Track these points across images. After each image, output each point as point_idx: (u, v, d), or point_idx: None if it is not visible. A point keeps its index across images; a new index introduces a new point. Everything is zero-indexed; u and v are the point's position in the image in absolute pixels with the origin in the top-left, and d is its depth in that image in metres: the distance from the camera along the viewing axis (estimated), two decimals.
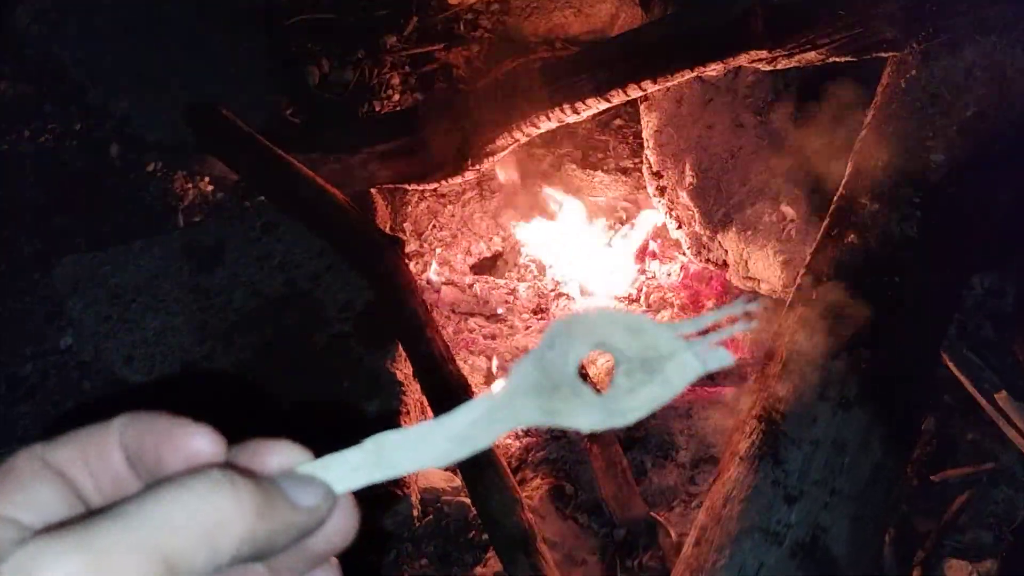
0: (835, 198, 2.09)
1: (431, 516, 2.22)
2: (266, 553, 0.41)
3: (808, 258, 2.05)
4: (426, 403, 2.27)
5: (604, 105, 2.40)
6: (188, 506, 0.38)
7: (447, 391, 2.11)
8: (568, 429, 0.46)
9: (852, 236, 1.99)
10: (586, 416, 0.46)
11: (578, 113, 2.42)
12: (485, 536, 2.13)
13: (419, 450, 0.45)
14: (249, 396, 2.21)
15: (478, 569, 2.11)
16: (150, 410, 0.43)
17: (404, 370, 2.29)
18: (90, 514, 0.38)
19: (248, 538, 0.39)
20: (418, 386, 2.25)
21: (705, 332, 0.47)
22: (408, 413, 2.24)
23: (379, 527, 2.12)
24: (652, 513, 2.16)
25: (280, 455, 0.44)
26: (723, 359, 0.47)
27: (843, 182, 2.09)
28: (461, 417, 0.46)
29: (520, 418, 0.46)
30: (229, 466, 0.41)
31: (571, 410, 0.46)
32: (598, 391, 0.47)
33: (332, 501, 0.44)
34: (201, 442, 0.42)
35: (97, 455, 0.42)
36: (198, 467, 0.40)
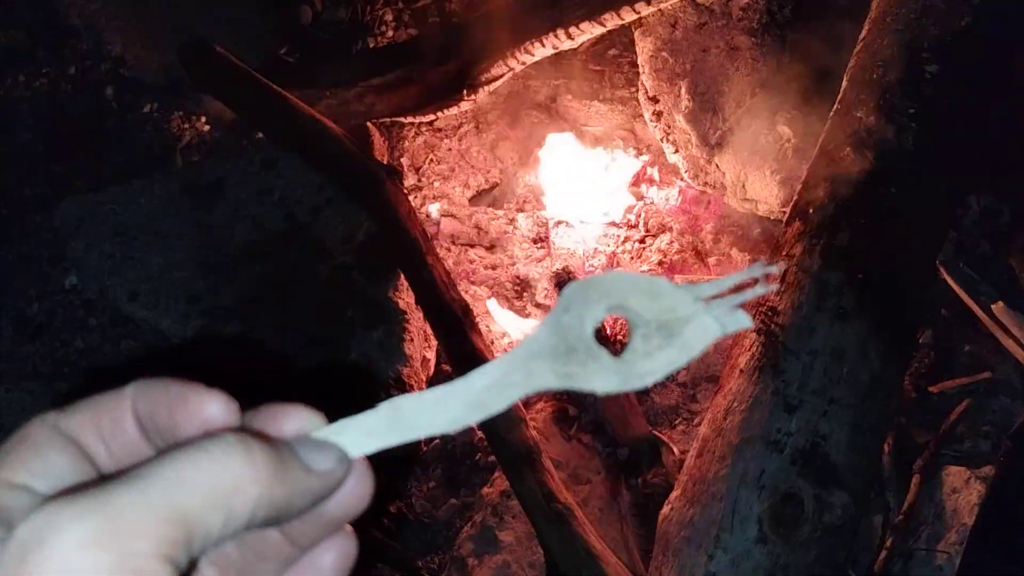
0: (831, 113, 2.09)
1: (438, 441, 2.26)
2: (281, 518, 0.41)
3: (805, 174, 2.06)
4: (429, 331, 2.30)
5: (598, 29, 2.40)
6: (204, 470, 0.38)
7: (449, 317, 2.12)
8: (583, 392, 0.45)
9: (848, 150, 1.99)
10: (602, 380, 0.45)
11: (572, 39, 2.41)
12: (490, 459, 2.17)
13: (434, 415, 0.45)
14: (255, 332, 2.24)
15: (484, 489, 2.15)
16: (162, 377, 0.43)
17: (406, 299, 2.31)
18: (105, 478, 0.37)
19: (263, 502, 0.39)
20: (420, 313, 2.27)
21: (723, 295, 0.46)
22: (411, 340, 2.27)
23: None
24: (655, 432, 2.19)
25: (294, 420, 0.44)
26: (742, 322, 0.46)
27: (839, 97, 2.09)
28: (476, 381, 0.45)
29: (535, 382, 0.45)
30: (243, 431, 0.41)
31: (587, 374, 0.45)
32: (614, 354, 0.46)
33: (347, 465, 0.43)
34: (215, 408, 0.42)
35: (110, 422, 0.42)
36: (212, 432, 0.40)
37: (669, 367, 0.45)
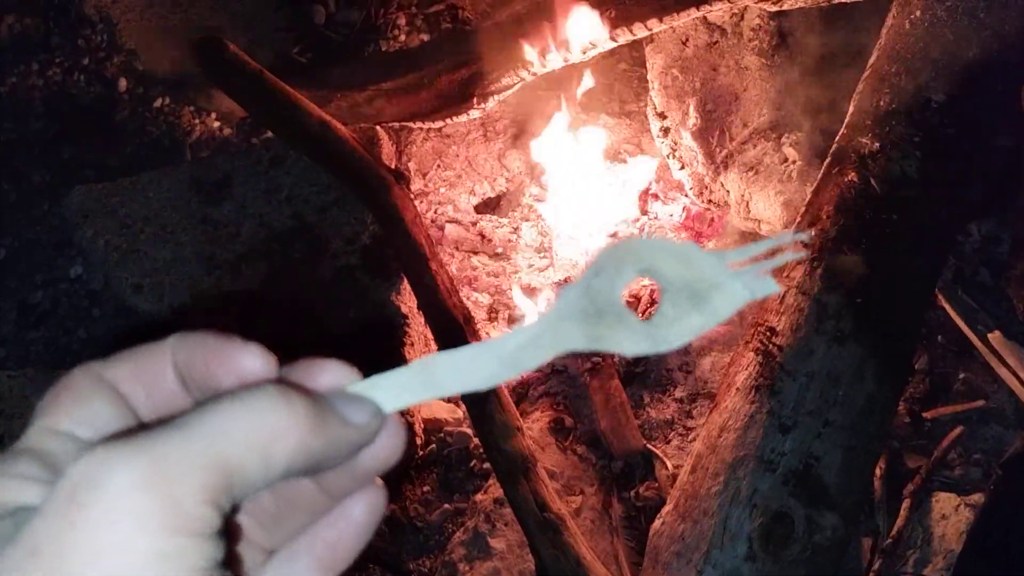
0: (837, 138, 2.11)
1: (434, 445, 2.27)
2: (317, 469, 0.42)
3: (808, 197, 2.08)
4: (430, 335, 2.31)
5: (609, 45, 2.42)
6: (245, 419, 0.39)
7: (450, 322, 2.14)
8: (613, 353, 0.47)
9: (852, 175, 2.01)
10: (631, 343, 0.46)
11: (584, 52, 2.43)
12: (485, 465, 2.18)
13: (466, 372, 0.45)
14: (259, 323, 2.25)
15: (478, 496, 2.16)
16: (202, 330, 0.44)
17: (408, 303, 2.33)
18: (148, 426, 0.38)
19: (301, 452, 0.40)
20: (422, 318, 2.28)
21: (753, 261, 0.47)
22: (412, 345, 2.28)
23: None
24: (649, 445, 2.21)
25: (330, 374, 0.44)
26: (770, 288, 0.46)
27: (845, 122, 2.11)
28: (508, 341, 0.46)
29: (566, 343, 0.46)
30: (282, 382, 0.42)
31: (616, 337, 0.46)
32: (643, 318, 0.47)
33: (381, 419, 0.44)
34: (253, 360, 0.43)
35: (151, 373, 0.43)
36: (252, 383, 0.41)
37: (696, 331, 0.46)
